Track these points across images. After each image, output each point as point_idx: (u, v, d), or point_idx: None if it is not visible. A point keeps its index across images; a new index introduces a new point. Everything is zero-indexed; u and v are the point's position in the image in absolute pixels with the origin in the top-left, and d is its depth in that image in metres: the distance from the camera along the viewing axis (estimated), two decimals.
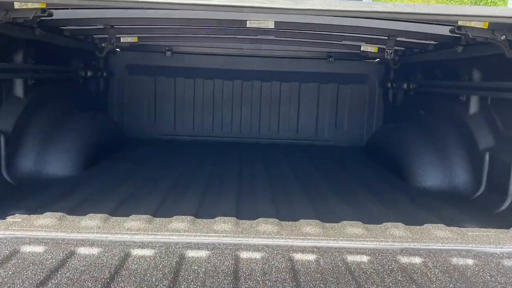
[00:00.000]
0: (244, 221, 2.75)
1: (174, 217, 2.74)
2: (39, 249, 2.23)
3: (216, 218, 2.75)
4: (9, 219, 2.64)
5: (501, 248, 2.47)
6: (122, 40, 4.78)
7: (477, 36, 2.88)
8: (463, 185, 3.67)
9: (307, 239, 2.51)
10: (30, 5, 2.70)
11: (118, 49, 5.57)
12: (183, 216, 2.74)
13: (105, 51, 4.93)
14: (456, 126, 3.91)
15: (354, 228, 2.69)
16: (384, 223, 2.79)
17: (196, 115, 6.02)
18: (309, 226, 2.68)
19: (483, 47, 3.40)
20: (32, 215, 2.70)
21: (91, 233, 2.48)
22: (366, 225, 2.77)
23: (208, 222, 2.71)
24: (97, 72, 5.28)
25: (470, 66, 3.73)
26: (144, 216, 2.73)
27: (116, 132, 5.27)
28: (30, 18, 2.79)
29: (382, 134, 5.14)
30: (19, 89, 3.63)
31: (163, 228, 2.58)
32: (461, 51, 3.61)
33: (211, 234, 2.52)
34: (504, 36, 2.85)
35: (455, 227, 2.78)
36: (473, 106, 3.77)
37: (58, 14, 3.31)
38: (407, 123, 4.68)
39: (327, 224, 2.76)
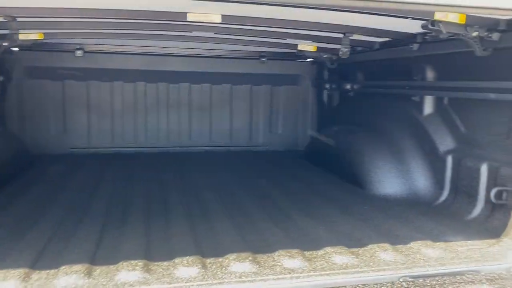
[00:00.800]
0: (211, 260, 2.21)
1: (120, 263, 2.11)
2: None
3: (175, 260, 2.18)
4: None
5: (506, 264, 2.25)
6: (21, 37, 3.89)
7: (451, 32, 2.66)
8: (424, 191, 3.49)
9: (293, 278, 2.06)
10: None
11: (17, 48, 4.63)
12: (133, 262, 2.13)
13: (0, 50, 3.99)
14: (411, 128, 3.73)
15: (340, 256, 2.30)
16: (370, 246, 2.44)
17: (116, 124, 5.26)
18: (290, 259, 2.23)
19: (441, 44, 3.24)
20: None
21: None
22: (351, 249, 2.39)
23: (167, 266, 2.12)
24: None
25: (425, 64, 3.57)
26: (79, 266, 2.06)
27: (16, 149, 4.34)
28: None
29: (327, 136, 4.87)
30: None
31: (110, 283, 1.94)
32: (416, 49, 3.43)
33: (176, 285, 1.95)
34: (477, 32, 2.67)
35: (442, 243, 2.52)
36: (428, 106, 3.62)
37: None
38: (354, 125, 4.44)
39: (308, 253, 2.33)
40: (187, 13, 2.99)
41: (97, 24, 3.62)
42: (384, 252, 2.36)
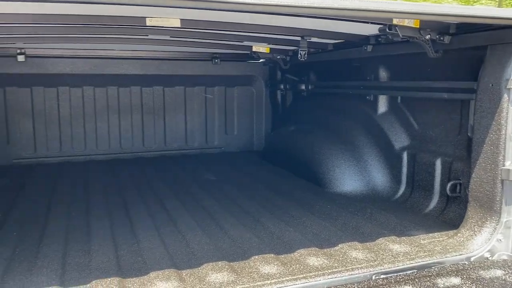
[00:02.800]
0: (186, 271, 2.17)
1: (94, 282, 2.02)
2: None
3: (150, 274, 2.12)
4: None
5: (467, 254, 2.40)
6: None
7: (406, 36, 2.78)
8: (382, 187, 3.63)
9: (272, 284, 2.07)
10: None
11: None
12: (106, 280, 2.04)
13: None
14: (366, 126, 3.86)
15: (313, 257, 2.34)
16: (340, 245, 2.51)
17: (63, 131, 5.01)
18: (266, 264, 2.25)
19: (394, 46, 3.37)
20: None
21: None
22: (323, 250, 2.45)
23: (143, 282, 2.06)
24: None
25: (379, 65, 3.71)
26: None
27: None
28: None
29: (284, 136, 4.93)
30: None
31: None
32: (371, 50, 3.55)
33: None
34: (429, 35, 2.81)
35: (406, 237, 2.65)
36: (382, 105, 3.76)
37: None
38: (310, 125, 4.53)
39: (282, 257, 2.36)
40: (146, 17, 2.90)
41: (40, 29, 3.42)
42: (354, 251, 2.43)
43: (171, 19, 2.92)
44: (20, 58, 4.53)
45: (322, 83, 4.69)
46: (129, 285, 2.02)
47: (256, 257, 2.32)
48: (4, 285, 2.00)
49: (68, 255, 2.37)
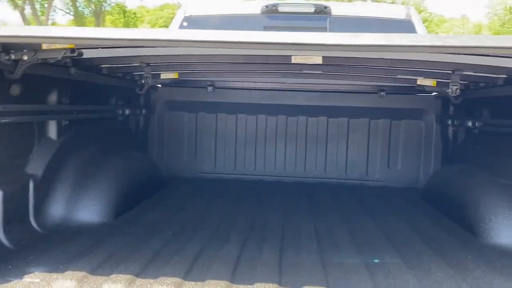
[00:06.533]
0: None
1: (206, 281, 2.39)
2: None
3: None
4: (27, 278, 2.39)
5: None
6: (162, 76, 4.61)
7: None
8: None
9: None
10: (58, 46, 2.53)
11: (160, 85, 5.44)
12: (216, 281, 2.38)
13: (145, 88, 4.79)
14: None
15: None
16: None
17: (238, 152, 5.73)
18: None
19: None
20: (52, 274, 2.43)
21: None
22: None
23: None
24: (136, 110, 5.14)
25: None
26: (172, 279, 2.39)
27: (153, 173, 5.04)
28: (59, 58, 2.61)
29: (445, 176, 4.59)
30: (52, 130, 3.48)
31: None
32: None
33: None
34: None
35: None
36: None
37: (91, 53, 3.14)
38: (474, 165, 4.13)
39: None
40: (291, 56, 3.23)
41: (221, 66, 4.10)
42: None
43: (314, 57, 3.18)
44: (210, 89, 5.43)
45: (493, 121, 4.22)
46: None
47: None
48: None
49: (200, 253, 2.81)
